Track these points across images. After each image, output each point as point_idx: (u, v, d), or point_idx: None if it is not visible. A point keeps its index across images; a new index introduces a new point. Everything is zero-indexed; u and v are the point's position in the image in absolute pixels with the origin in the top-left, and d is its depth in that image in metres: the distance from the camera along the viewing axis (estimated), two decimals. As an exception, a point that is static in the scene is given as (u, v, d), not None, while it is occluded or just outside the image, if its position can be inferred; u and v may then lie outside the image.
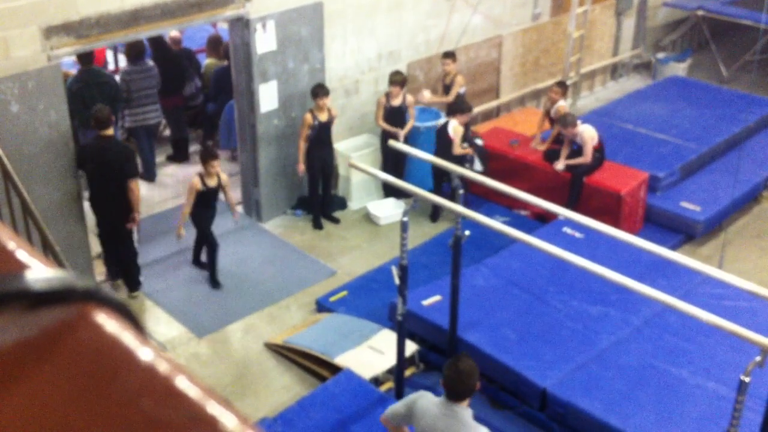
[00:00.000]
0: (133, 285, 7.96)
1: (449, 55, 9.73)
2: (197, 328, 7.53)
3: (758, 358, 4.38)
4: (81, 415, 0.63)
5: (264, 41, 8.60)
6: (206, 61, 10.89)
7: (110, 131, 7.53)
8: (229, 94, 9.35)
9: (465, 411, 4.30)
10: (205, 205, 7.82)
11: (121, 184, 7.39)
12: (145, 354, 0.69)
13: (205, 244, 8.13)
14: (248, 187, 9.28)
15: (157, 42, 9.97)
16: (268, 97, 8.83)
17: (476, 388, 4.35)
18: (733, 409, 4.54)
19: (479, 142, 9.44)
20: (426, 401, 4.44)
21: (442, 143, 9.02)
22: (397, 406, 4.61)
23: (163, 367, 0.68)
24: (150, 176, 9.97)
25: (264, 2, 8.43)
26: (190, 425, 0.65)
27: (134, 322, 0.74)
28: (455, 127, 9.04)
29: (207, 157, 7.76)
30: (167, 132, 10.79)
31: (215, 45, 10.82)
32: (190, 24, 8.15)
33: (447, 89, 9.81)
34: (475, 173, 6.91)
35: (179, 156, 10.50)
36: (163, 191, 9.84)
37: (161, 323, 7.61)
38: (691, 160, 9.74)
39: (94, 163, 7.37)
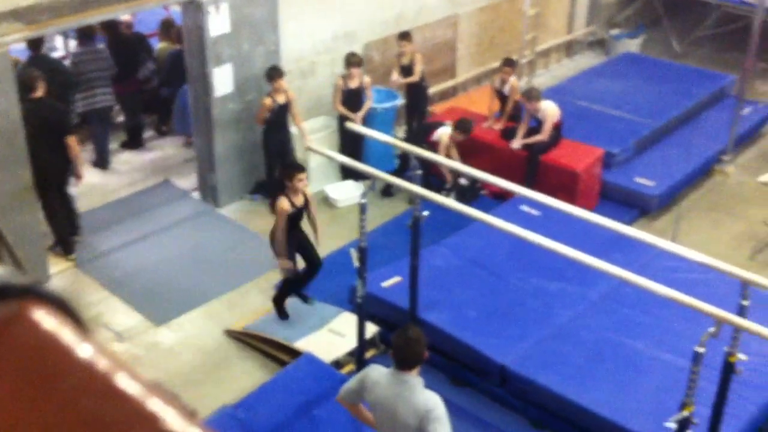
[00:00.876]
0: (69, 246, 8.06)
1: (405, 36, 9.70)
2: (156, 316, 7.47)
3: (712, 329, 4.47)
4: (19, 416, 0.62)
5: (217, 24, 8.50)
6: (159, 45, 10.74)
7: (39, 92, 7.60)
8: (183, 78, 9.23)
9: (415, 379, 4.34)
10: (294, 227, 6.84)
11: (58, 141, 7.60)
12: (85, 351, 0.68)
13: (309, 269, 7.14)
14: (204, 173, 9.20)
15: (109, 26, 9.81)
16: (222, 80, 8.74)
17: (424, 356, 4.38)
18: (688, 380, 4.63)
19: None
20: (376, 373, 4.48)
21: (421, 137, 8.98)
22: (349, 383, 4.64)
23: (103, 364, 0.68)
24: (104, 164, 9.83)
25: (216, -16, 8.33)
26: (132, 423, 0.64)
27: (75, 317, 0.73)
28: (443, 135, 8.91)
29: (292, 170, 6.67)
30: (121, 118, 10.63)
31: (167, 29, 10.67)
32: (142, 8, 8.04)
33: (405, 70, 9.78)
34: (434, 160, 6.90)
35: (134, 142, 10.37)
36: (117, 179, 9.70)
37: (119, 313, 7.52)
38: (645, 136, 9.86)
39: (30, 124, 7.28)
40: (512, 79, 9.58)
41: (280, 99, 8.71)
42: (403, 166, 9.27)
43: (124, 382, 0.66)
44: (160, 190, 9.44)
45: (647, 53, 13.42)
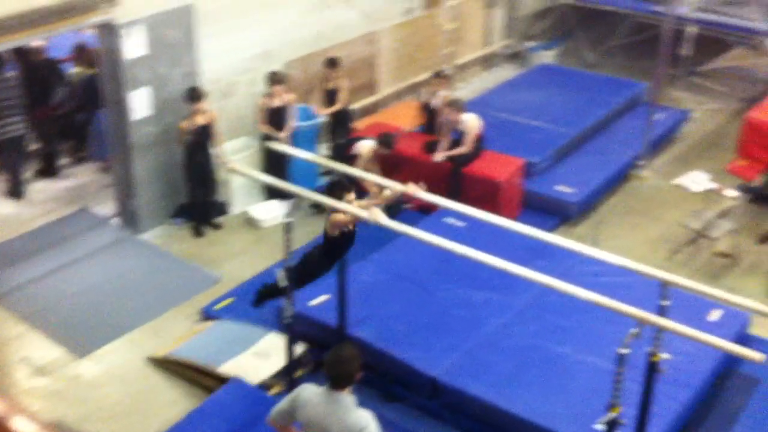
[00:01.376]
0: None
1: (333, 64, 9.65)
2: (78, 348, 7.25)
3: (634, 330, 4.56)
4: None
5: (133, 46, 8.36)
6: (74, 70, 10.50)
7: None
8: (99, 103, 9.04)
9: (347, 398, 4.31)
10: (344, 245, 6.00)
11: None
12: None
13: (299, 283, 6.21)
14: (123, 199, 9.01)
15: (20, 53, 9.56)
16: (140, 104, 8.58)
17: (358, 376, 4.34)
18: (614, 381, 4.70)
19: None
20: (308, 392, 4.43)
21: (341, 128, 9.06)
22: (280, 404, 4.57)
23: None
24: (18, 193, 9.54)
25: (131, 6, 8.18)
26: None
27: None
28: (363, 148, 8.93)
29: (340, 189, 5.74)
30: (35, 146, 10.34)
31: (81, 53, 10.45)
32: (53, 33, 7.84)
33: (329, 94, 9.75)
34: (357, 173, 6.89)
35: (49, 170, 10.09)
36: (32, 208, 9.40)
37: (39, 346, 7.27)
38: (563, 145, 10.06)
39: None
40: (442, 93, 9.67)
41: (200, 120, 8.61)
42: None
43: (21, 425, 0.63)
44: (77, 218, 9.20)
45: (562, 64, 13.73)
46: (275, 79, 9.18)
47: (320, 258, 5.98)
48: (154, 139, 8.87)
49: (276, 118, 9.30)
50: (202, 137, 8.68)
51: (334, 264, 6.05)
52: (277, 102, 9.25)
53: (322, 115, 9.78)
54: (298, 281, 6.07)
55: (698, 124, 12.02)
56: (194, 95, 8.52)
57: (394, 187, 5.89)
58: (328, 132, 10.11)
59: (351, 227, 5.83)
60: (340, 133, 9.95)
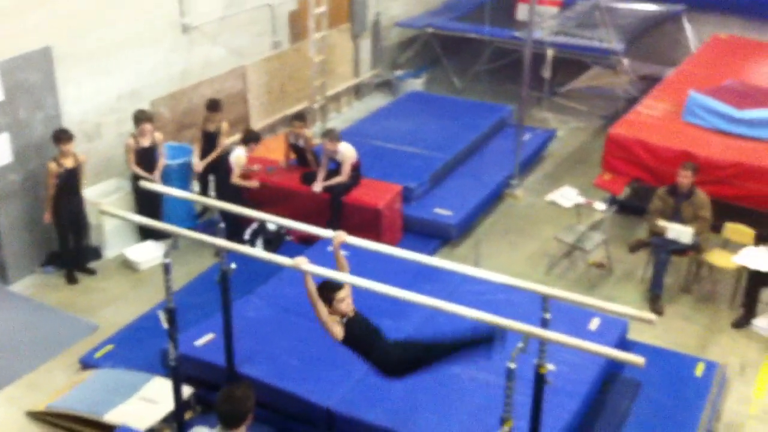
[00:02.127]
0: None
1: (214, 107, 9.48)
2: (-52, 410, 6.81)
3: (520, 344, 4.66)
4: None
5: (-13, 93, 8.01)
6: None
7: None
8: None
9: None
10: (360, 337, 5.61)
11: None
12: None
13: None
14: (-11, 250, 8.57)
15: None
16: (-1, 151, 8.22)
17: (251, 415, 4.25)
18: (504, 396, 4.78)
19: (271, 227, 9.22)
20: None
21: (222, 170, 9.12)
22: None
23: None
24: None
25: (-17, 51, 7.86)
26: None
27: None
28: (238, 156, 9.06)
29: (328, 291, 5.42)
30: None
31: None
32: None
33: (208, 137, 9.58)
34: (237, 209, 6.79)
35: None
36: None
37: None
38: (438, 169, 10.25)
39: None
40: (305, 132, 9.71)
41: (68, 163, 8.31)
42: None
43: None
44: (-60, 273, 8.68)
45: (431, 91, 14.05)
46: (142, 117, 8.97)
47: (380, 356, 5.49)
48: (17, 186, 8.50)
49: (146, 157, 9.08)
50: (71, 181, 8.36)
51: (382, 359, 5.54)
52: (145, 141, 9.03)
53: (199, 166, 9.57)
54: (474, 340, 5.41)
55: (564, 143, 12.52)
56: (62, 136, 8.22)
57: (325, 234, 5.81)
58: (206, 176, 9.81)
59: (351, 314, 5.48)
60: (221, 176, 9.63)
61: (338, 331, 5.39)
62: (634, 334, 7.53)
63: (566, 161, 11.96)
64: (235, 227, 8.78)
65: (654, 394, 6.81)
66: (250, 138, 9.18)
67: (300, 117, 9.73)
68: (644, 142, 9.84)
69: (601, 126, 12.93)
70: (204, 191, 9.69)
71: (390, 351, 5.46)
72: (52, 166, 8.23)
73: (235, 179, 9.06)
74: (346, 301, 5.42)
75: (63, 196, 8.37)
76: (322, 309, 5.35)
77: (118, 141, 9.40)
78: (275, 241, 9.19)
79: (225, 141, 9.69)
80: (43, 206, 8.52)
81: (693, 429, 6.39)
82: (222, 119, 9.65)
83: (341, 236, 5.60)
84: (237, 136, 10.88)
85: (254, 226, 9.11)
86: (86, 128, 9.18)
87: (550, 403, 5.69)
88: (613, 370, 6.93)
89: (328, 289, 5.37)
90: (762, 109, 9.98)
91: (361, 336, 5.48)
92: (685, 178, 8.33)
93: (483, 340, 5.20)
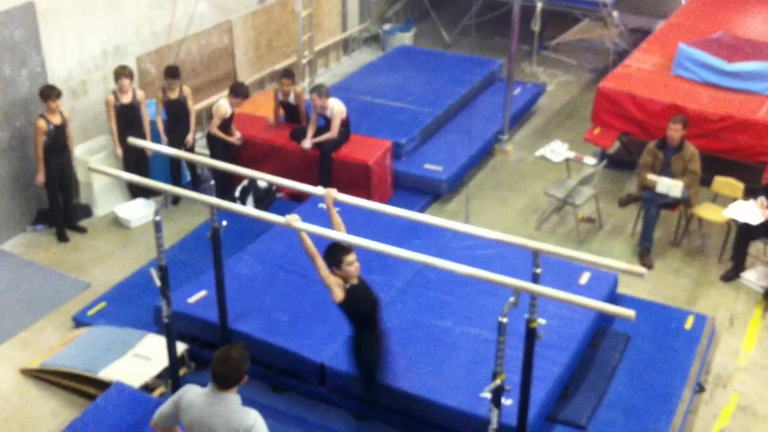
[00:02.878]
0: None
1: (173, 75, 9.06)
2: (-58, 368, 6.83)
3: (512, 299, 4.69)
4: None
5: (-27, 49, 7.89)
6: None
7: None
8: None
9: (232, 397, 4.24)
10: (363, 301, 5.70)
11: None
12: None
13: None
14: (-22, 209, 8.52)
15: None
16: (-16, 109, 8.13)
17: (244, 378, 4.28)
18: (496, 350, 4.82)
19: (262, 184, 9.13)
20: (191, 394, 4.33)
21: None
22: (163, 407, 4.45)
23: None
24: None
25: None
26: None
27: None
28: (220, 106, 9.01)
29: (337, 253, 5.46)
30: None
31: None
32: None
33: (172, 105, 9.19)
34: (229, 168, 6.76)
35: None
36: None
37: None
38: (428, 124, 10.20)
39: None
40: (296, 89, 9.62)
41: (56, 120, 8.23)
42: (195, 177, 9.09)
43: None
44: (-72, 233, 8.64)
45: (420, 45, 13.93)
46: (122, 73, 8.82)
47: (359, 338, 5.66)
48: (4, 144, 8.42)
49: (128, 115, 8.96)
50: (59, 138, 8.29)
51: (377, 329, 5.74)
52: (126, 98, 8.92)
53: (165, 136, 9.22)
54: (371, 383, 5.87)
55: (553, 97, 12.47)
56: (51, 93, 8.13)
57: (315, 192, 5.80)
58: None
59: (355, 281, 5.50)
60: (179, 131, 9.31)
61: (339, 293, 5.43)
62: (624, 288, 7.60)
63: (556, 116, 11.94)
64: (224, 185, 8.76)
65: (644, 347, 6.89)
66: (238, 91, 9.03)
67: (288, 74, 9.64)
68: (634, 96, 9.82)
69: (590, 80, 12.89)
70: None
71: (368, 341, 5.62)
72: (41, 123, 8.15)
73: (214, 129, 8.97)
74: (354, 265, 5.45)
75: (51, 154, 8.30)
76: (323, 266, 5.38)
77: (104, 98, 9.30)
78: (266, 198, 9.17)
79: (193, 105, 9.41)
80: (31, 165, 8.45)
81: (682, 381, 6.48)
82: (182, 85, 9.28)
83: (332, 194, 5.59)
84: (221, 93, 10.81)
85: (245, 183, 9.08)
86: (72, 85, 9.07)
87: (541, 357, 5.77)
88: (603, 323, 7.00)
89: (338, 251, 5.38)
90: (752, 62, 9.96)
91: (360, 307, 5.53)
92: (674, 131, 8.32)
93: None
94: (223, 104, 9.01)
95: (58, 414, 6.38)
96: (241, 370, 4.22)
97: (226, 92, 9.77)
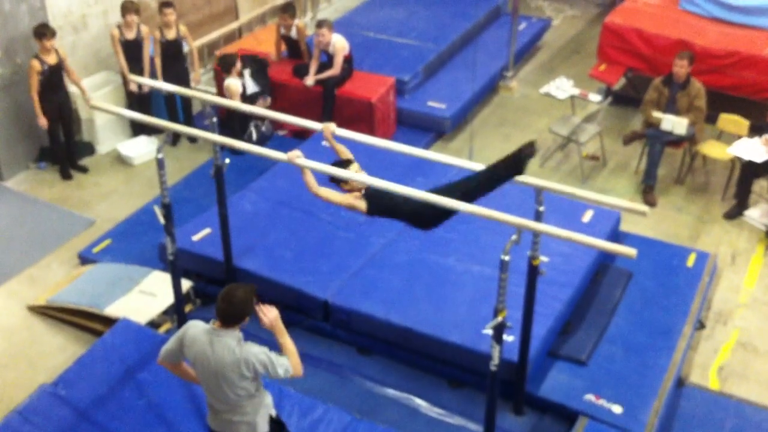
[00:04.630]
0: None
1: (167, 4, 8.90)
2: (-51, 304, 6.91)
3: (514, 237, 4.70)
4: None
5: (-31, -18, 7.78)
6: None
7: None
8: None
9: (235, 332, 4.30)
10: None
11: None
12: None
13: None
14: (-20, 145, 8.51)
15: None
16: (-16, 44, 8.05)
17: (246, 318, 4.32)
18: (498, 287, 4.86)
19: (264, 129, 9.12)
20: (195, 329, 4.38)
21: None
22: (168, 344, 4.51)
23: None
24: None
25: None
26: None
27: None
28: (230, 85, 8.66)
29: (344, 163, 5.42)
30: None
31: None
32: None
33: (169, 46, 8.99)
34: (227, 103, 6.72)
35: None
36: None
37: None
38: (431, 61, 10.10)
39: None
40: (296, 23, 9.49)
41: (51, 60, 8.15)
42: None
43: None
44: (-68, 170, 8.65)
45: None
46: (130, 8, 8.72)
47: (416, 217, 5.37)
48: (6, 81, 8.36)
49: (132, 50, 8.88)
50: (54, 77, 8.22)
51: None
52: (130, 34, 8.82)
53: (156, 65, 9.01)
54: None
55: (559, 32, 12.31)
56: (45, 32, 8.03)
57: (314, 127, 5.74)
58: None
59: (359, 193, 5.30)
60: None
61: (362, 204, 5.27)
62: (627, 226, 7.61)
63: (561, 51, 11.80)
64: (242, 125, 8.74)
65: (645, 284, 6.93)
66: (229, 64, 8.71)
67: (288, 8, 9.50)
68: (640, 31, 9.69)
69: (597, 14, 12.71)
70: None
71: (418, 203, 5.18)
72: (35, 63, 8.06)
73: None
74: (361, 173, 5.31)
75: (47, 93, 8.23)
76: (334, 194, 5.26)
77: (105, 33, 9.21)
78: (266, 135, 9.15)
79: (193, 43, 9.21)
80: (34, 108, 8.38)
81: (683, 317, 6.53)
82: (179, 23, 8.98)
83: (330, 127, 5.55)
84: (223, 29, 10.68)
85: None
86: (72, 20, 8.96)
87: (543, 293, 5.83)
88: (605, 260, 7.04)
89: (342, 165, 5.29)
90: (761, -3, 9.80)
91: (384, 200, 5.31)
92: (680, 67, 8.23)
93: (519, 154, 5.01)
94: (232, 84, 8.62)
95: (66, 349, 6.47)
96: (243, 309, 4.26)
97: (226, 27, 9.68)
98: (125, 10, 8.70)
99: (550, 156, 9.18)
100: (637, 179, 8.75)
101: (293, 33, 9.52)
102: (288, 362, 4.33)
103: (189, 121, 9.32)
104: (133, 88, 8.83)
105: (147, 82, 7.36)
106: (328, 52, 9.14)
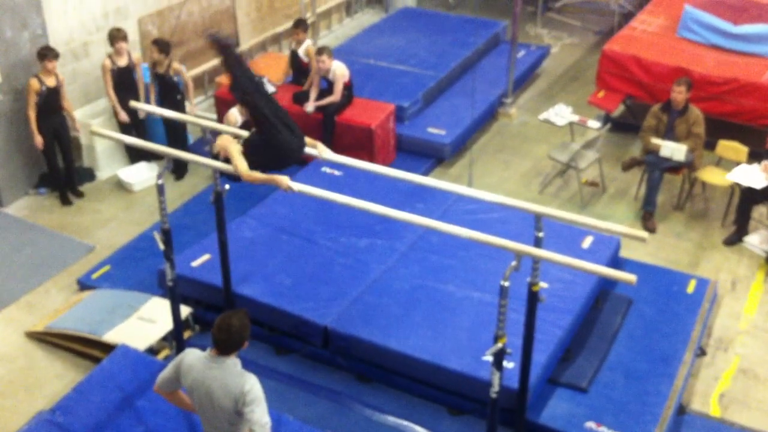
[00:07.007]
0: None
1: (162, 48, 8.84)
2: (-52, 331, 6.88)
3: (513, 263, 4.70)
4: None
5: (-29, 11, 7.83)
6: None
7: None
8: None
9: (231, 361, 4.28)
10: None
11: None
12: None
13: None
14: (-19, 172, 8.52)
15: None
16: (-14, 71, 8.09)
17: (245, 343, 4.30)
18: (498, 314, 4.85)
19: None
20: (192, 357, 4.37)
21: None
22: (165, 371, 4.49)
23: None
24: None
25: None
26: None
27: None
28: (231, 115, 8.57)
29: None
30: None
31: None
32: None
33: (163, 80, 9.02)
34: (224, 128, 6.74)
35: None
36: None
37: None
38: (431, 87, 10.15)
39: None
40: (307, 42, 9.56)
41: (50, 82, 8.20)
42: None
43: None
44: (-68, 196, 8.65)
45: (423, 7, 13.81)
46: (117, 36, 8.73)
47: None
48: (6, 107, 8.40)
49: (124, 78, 8.90)
50: (51, 100, 8.25)
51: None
52: (122, 61, 8.85)
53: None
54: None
55: (558, 60, 12.39)
56: (48, 53, 8.08)
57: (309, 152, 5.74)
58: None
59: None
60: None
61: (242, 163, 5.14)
62: (627, 252, 7.61)
63: (560, 79, 11.86)
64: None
65: (646, 311, 6.91)
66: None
67: (300, 23, 9.56)
68: (639, 58, 9.75)
69: (595, 42, 12.79)
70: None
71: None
72: (33, 83, 8.11)
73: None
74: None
75: (44, 115, 8.26)
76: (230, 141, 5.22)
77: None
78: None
79: (188, 77, 9.21)
80: (30, 127, 8.41)
81: (684, 344, 6.51)
82: (172, 60, 8.99)
83: (319, 147, 5.56)
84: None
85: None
86: (73, 47, 9.02)
87: (543, 320, 5.80)
88: (605, 286, 7.02)
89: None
90: (758, 24, 9.87)
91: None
92: (679, 94, 8.27)
93: None
94: (232, 114, 8.57)
95: (64, 376, 6.44)
96: (242, 337, 4.25)
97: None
98: (113, 38, 8.71)
99: (549, 182, 9.20)
100: (636, 205, 8.76)
101: (302, 50, 9.54)
102: (269, 425, 4.25)
103: (184, 150, 9.29)
104: (123, 118, 8.84)
105: (149, 108, 7.38)
106: (328, 79, 9.19)
